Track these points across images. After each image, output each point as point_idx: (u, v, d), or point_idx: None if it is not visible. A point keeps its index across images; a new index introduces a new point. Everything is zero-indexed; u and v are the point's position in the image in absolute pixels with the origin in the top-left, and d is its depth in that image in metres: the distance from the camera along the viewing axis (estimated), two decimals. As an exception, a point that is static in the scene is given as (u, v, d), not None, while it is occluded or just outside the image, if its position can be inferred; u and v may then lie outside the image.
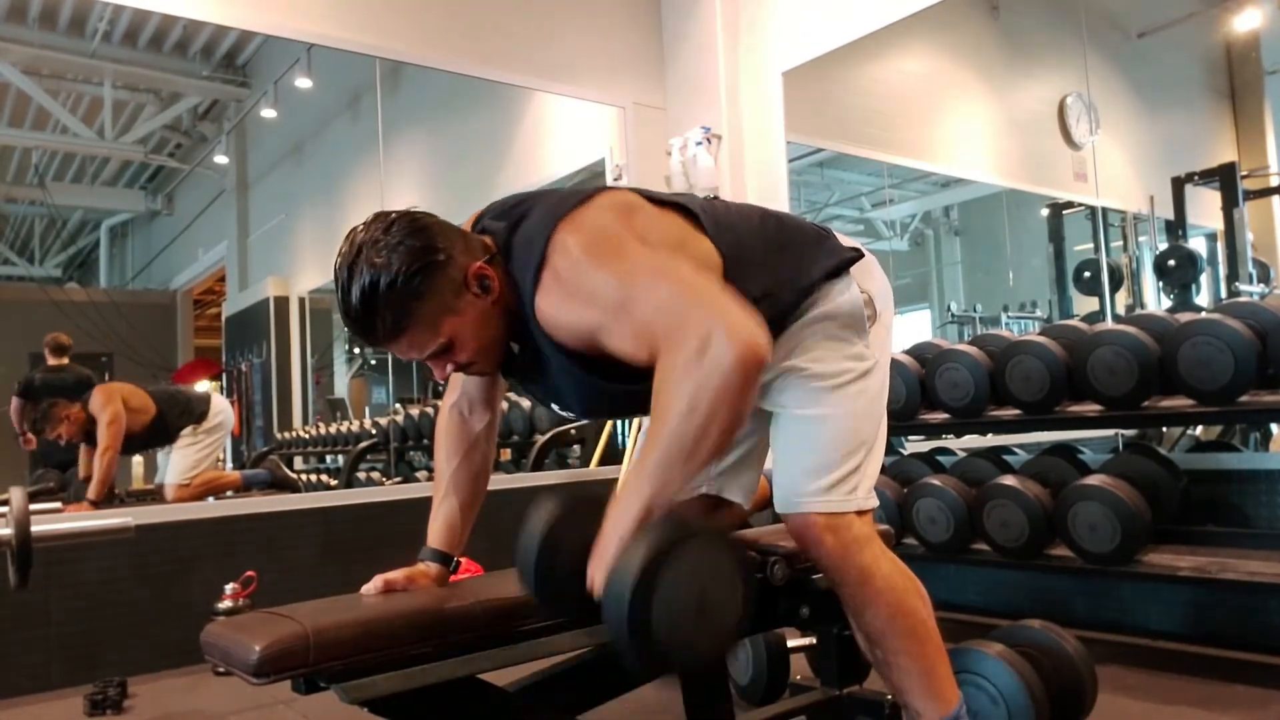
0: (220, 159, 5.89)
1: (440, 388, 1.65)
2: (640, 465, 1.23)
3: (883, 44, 3.93)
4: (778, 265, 1.47)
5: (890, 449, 3.54)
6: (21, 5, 4.60)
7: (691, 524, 1.25)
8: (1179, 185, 3.84)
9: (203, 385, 5.07)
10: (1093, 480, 2.56)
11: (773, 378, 1.50)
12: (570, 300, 1.31)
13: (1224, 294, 3.72)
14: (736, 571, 1.26)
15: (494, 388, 1.61)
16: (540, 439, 4.48)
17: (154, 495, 4.21)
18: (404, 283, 1.27)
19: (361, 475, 4.81)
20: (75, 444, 4.05)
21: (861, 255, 1.55)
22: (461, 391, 1.60)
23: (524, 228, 1.37)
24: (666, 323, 1.21)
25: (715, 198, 2.75)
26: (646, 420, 1.32)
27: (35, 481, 4.13)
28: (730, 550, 1.27)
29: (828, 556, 1.46)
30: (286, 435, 5.40)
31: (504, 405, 3.95)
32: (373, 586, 1.39)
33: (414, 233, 1.30)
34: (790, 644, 2.22)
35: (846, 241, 1.57)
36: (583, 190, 1.40)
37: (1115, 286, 3.95)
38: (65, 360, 4.36)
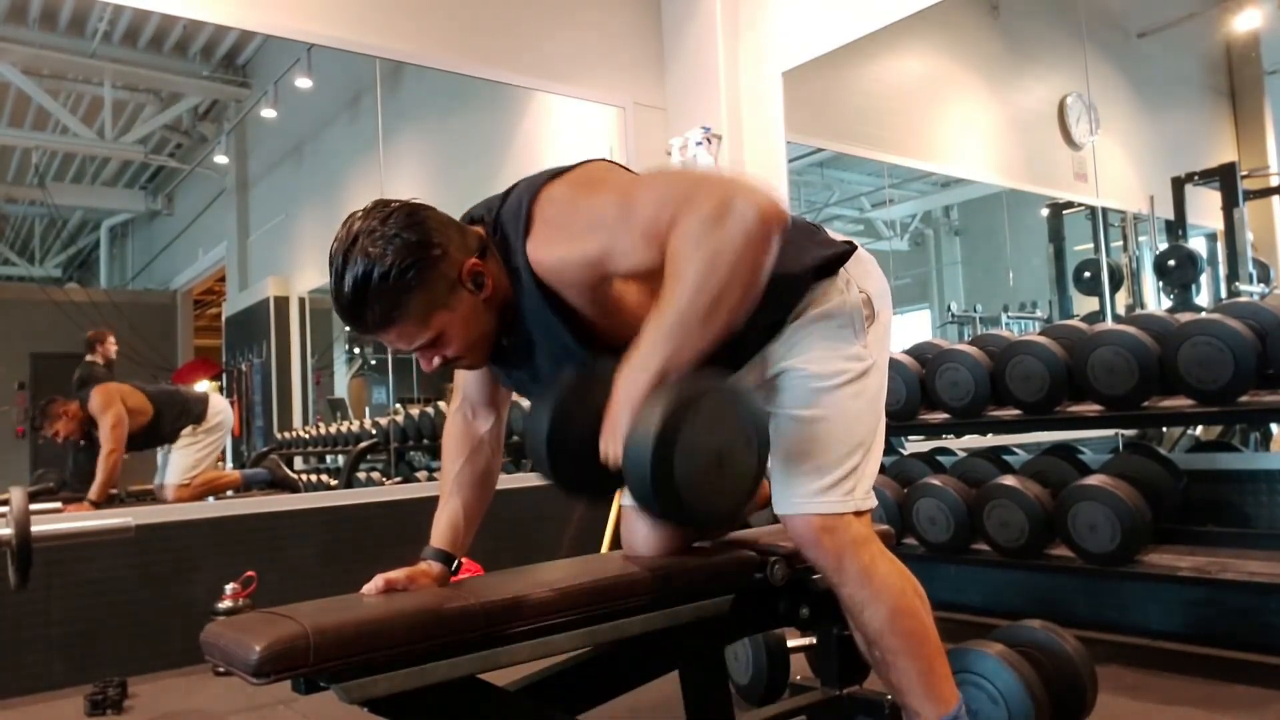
0: (220, 159, 5.87)
1: (447, 387, 1.66)
2: (654, 329, 1.20)
3: (883, 44, 3.93)
4: None
5: (890, 449, 3.54)
6: (21, 5, 4.60)
7: (707, 380, 1.24)
8: (1179, 185, 3.84)
9: (202, 385, 5.06)
10: (1093, 480, 2.56)
11: (771, 378, 1.50)
12: (569, 237, 1.30)
13: (1224, 294, 3.72)
14: (753, 425, 1.26)
15: (498, 391, 1.62)
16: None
17: (154, 495, 4.21)
18: (397, 276, 1.26)
19: (361, 475, 4.80)
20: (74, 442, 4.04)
21: (854, 248, 1.54)
22: (465, 396, 1.61)
23: (511, 199, 1.39)
24: (675, 206, 1.19)
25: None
26: None
27: (35, 481, 4.13)
28: (747, 404, 1.28)
29: (825, 557, 1.46)
30: (286, 435, 5.39)
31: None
32: (373, 586, 1.39)
33: (411, 226, 1.29)
34: (790, 644, 2.22)
35: (838, 237, 1.57)
36: (563, 165, 1.41)
37: (1115, 286, 3.95)
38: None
